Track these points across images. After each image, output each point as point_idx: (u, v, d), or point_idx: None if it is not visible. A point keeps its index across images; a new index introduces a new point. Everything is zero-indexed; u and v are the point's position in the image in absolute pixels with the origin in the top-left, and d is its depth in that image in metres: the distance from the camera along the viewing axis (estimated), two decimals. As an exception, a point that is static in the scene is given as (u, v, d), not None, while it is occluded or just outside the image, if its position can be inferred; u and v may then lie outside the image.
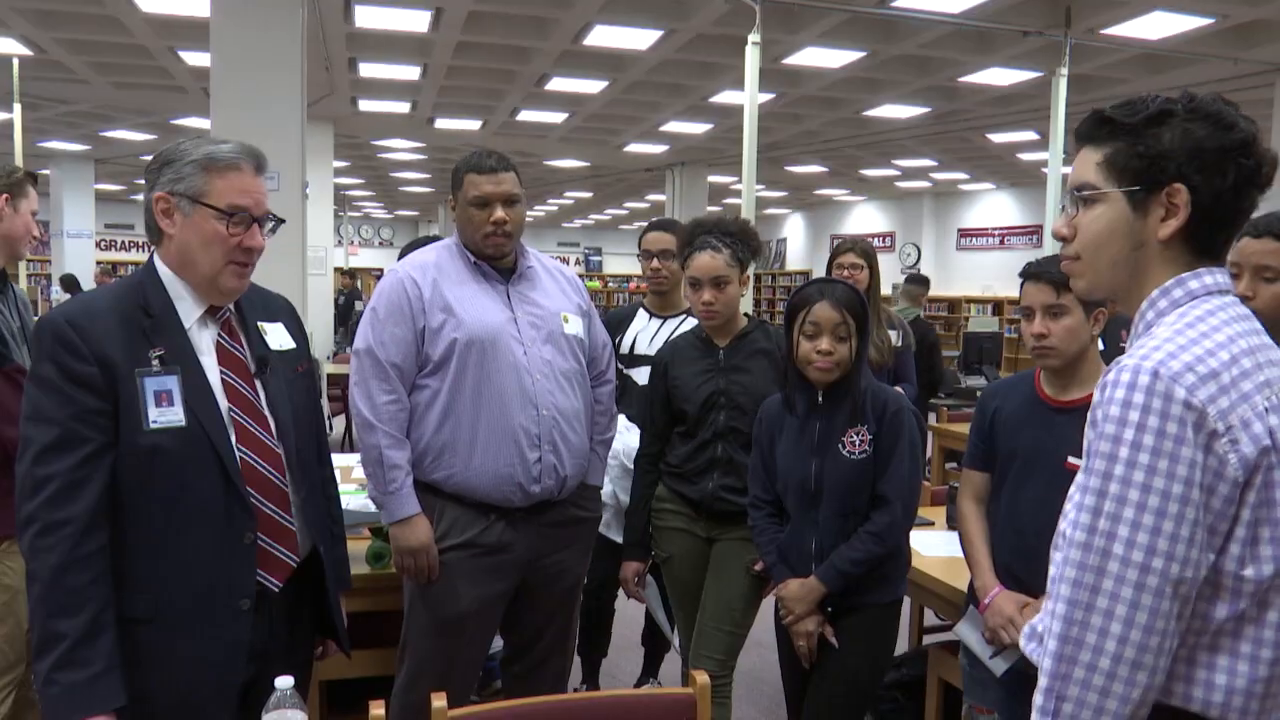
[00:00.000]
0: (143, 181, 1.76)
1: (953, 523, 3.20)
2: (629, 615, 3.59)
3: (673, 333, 3.12)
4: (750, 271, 2.69)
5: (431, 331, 2.29)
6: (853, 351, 2.25)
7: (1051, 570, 1.26)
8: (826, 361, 2.25)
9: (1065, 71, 6.61)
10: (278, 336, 1.85)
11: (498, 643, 2.64)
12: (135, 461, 1.60)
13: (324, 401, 6.84)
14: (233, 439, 1.68)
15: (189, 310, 1.71)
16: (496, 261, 2.38)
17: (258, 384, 1.76)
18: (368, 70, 8.45)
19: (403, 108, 10.15)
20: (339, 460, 3.93)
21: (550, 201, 20.83)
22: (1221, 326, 1.18)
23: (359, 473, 3.50)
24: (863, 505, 2.27)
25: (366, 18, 6.92)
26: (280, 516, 1.74)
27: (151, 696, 1.61)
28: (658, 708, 1.76)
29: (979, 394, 2.47)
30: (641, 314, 3.26)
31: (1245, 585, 1.14)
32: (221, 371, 1.71)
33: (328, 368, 8.26)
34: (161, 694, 1.62)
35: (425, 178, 17.01)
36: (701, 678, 1.73)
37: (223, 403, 1.69)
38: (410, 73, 8.51)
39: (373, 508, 2.82)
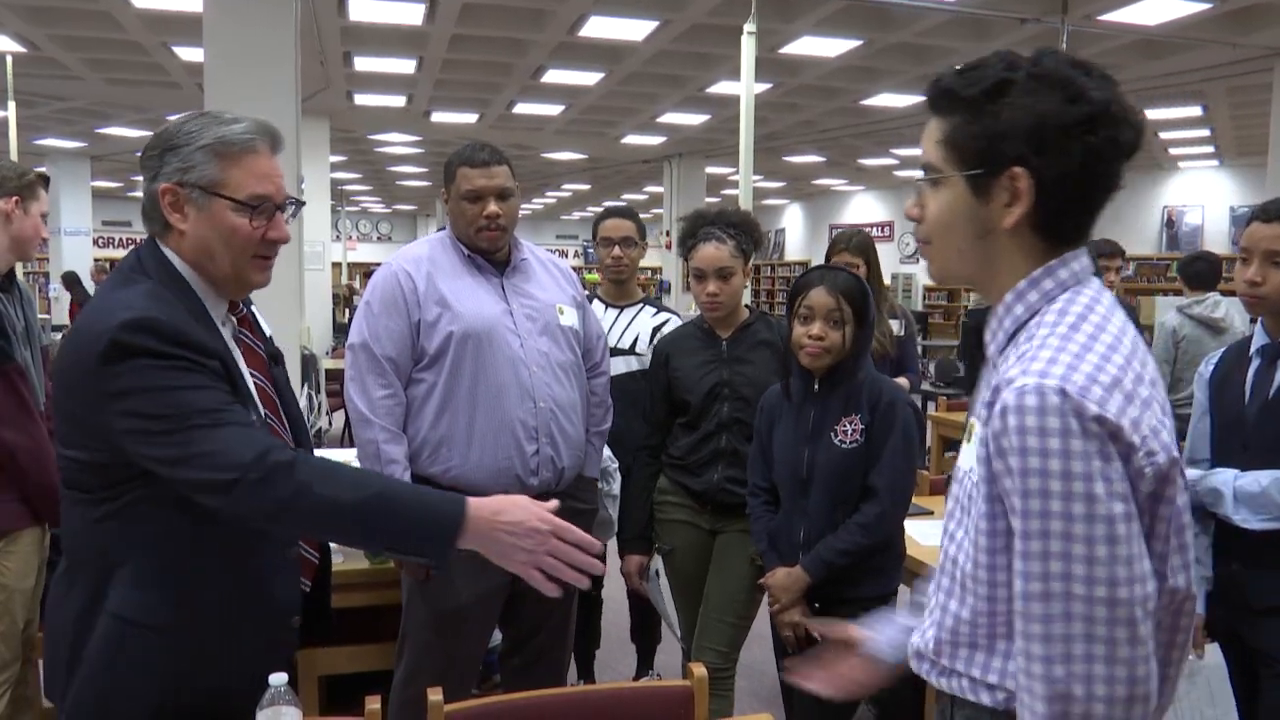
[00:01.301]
0: (139, 179, 1.56)
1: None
2: (616, 607, 3.59)
3: (629, 323, 3.10)
4: (752, 263, 2.69)
5: (427, 325, 2.28)
6: (847, 339, 2.24)
7: (962, 612, 1.16)
8: (816, 346, 2.24)
9: (1063, 58, 6.56)
10: (266, 322, 1.76)
11: (496, 636, 2.63)
12: None
13: (321, 397, 6.83)
14: None
15: (214, 307, 1.54)
16: (490, 254, 2.37)
17: (273, 380, 1.66)
18: (363, 64, 8.42)
19: (398, 101, 10.12)
20: (340, 455, 3.93)
21: (548, 194, 20.81)
22: (1104, 324, 1.08)
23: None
24: (852, 495, 2.26)
25: (360, 11, 6.89)
26: None
27: (189, 703, 1.48)
28: (656, 700, 1.76)
29: None
30: (597, 304, 3.19)
31: (1164, 598, 1.09)
32: (251, 372, 1.59)
33: (326, 363, 8.25)
34: (202, 700, 1.49)
35: (423, 171, 16.98)
36: (699, 670, 1.73)
37: (260, 405, 1.58)
38: (405, 66, 8.48)
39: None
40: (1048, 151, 1.07)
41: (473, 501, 1.41)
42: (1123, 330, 1.10)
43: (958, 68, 1.14)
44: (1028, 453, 1.02)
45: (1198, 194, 14.13)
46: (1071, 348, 1.06)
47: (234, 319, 1.62)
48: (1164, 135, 11.77)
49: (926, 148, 1.17)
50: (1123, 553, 1.01)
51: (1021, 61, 1.10)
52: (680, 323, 3.25)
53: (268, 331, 1.76)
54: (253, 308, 1.73)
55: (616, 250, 3.18)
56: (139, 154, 1.59)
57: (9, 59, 6.96)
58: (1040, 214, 1.11)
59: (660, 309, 3.30)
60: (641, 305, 3.23)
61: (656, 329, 3.20)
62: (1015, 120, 1.08)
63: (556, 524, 1.42)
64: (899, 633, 1.39)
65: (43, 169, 2.73)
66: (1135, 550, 1.02)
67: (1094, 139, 1.07)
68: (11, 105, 6.95)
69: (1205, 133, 11.51)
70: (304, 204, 1.63)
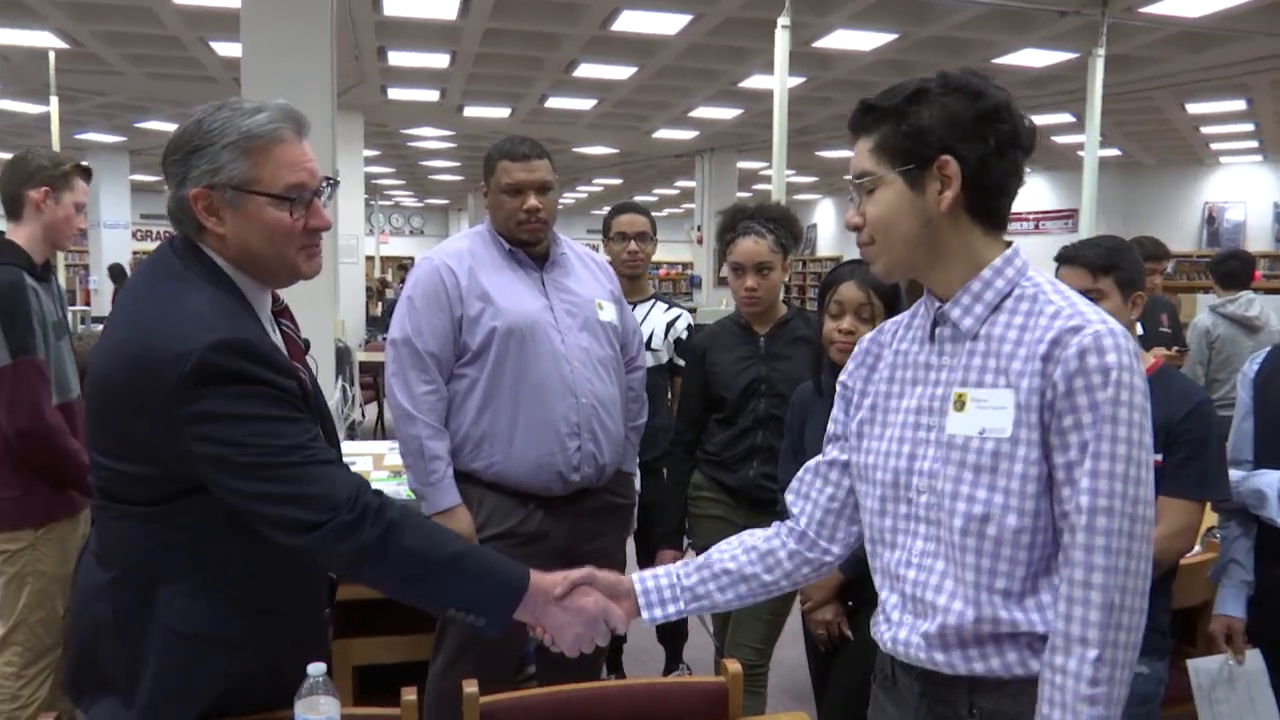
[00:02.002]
0: None
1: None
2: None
3: (643, 319, 3.09)
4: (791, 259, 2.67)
5: (469, 320, 2.28)
6: None
7: (952, 578, 1.30)
8: (846, 341, 2.22)
9: (1102, 52, 6.47)
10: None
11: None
12: None
13: (355, 389, 6.88)
14: None
15: (261, 305, 1.52)
16: (530, 249, 2.37)
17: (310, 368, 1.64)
18: (397, 58, 8.47)
19: (432, 96, 10.17)
20: (370, 447, 3.98)
21: (580, 189, 20.81)
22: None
23: (390, 459, 3.53)
24: None
25: (395, 6, 6.93)
26: None
27: (237, 698, 1.48)
28: (690, 696, 1.76)
29: None
30: None
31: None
32: (295, 366, 1.53)
33: (360, 355, 8.32)
34: (256, 700, 1.50)
35: (455, 166, 17.06)
36: (734, 667, 1.72)
37: None
38: (439, 60, 8.52)
39: (404, 496, 2.83)
40: (968, 138, 1.26)
41: (535, 576, 1.50)
42: None
43: (876, 95, 1.34)
44: (1114, 384, 1.19)
45: (1240, 190, 13.87)
46: (1095, 309, 1.26)
47: (274, 311, 1.60)
48: (1205, 130, 11.56)
49: (859, 161, 1.33)
50: (1147, 476, 1.22)
51: (931, 78, 1.30)
52: (688, 317, 3.26)
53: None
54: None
55: (632, 245, 3.17)
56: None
57: (52, 55, 7.07)
58: (969, 196, 1.28)
59: (671, 304, 3.29)
60: (653, 301, 3.23)
61: (670, 324, 3.21)
62: (936, 117, 1.27)
63: (615, 617, 1.55)
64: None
65: (80, 163, 2.73)
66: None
67: (1003, 127, 1.27)
68: (54, 100, 7.05)
69: (1249, 127, 11.29)
70: (338, 182, 1.60)
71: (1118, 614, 1.18)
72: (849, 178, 1.37)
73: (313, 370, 1.69)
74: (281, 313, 1.62)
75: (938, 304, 1.35)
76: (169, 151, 1.46)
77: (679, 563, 1.58)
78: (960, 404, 1.29)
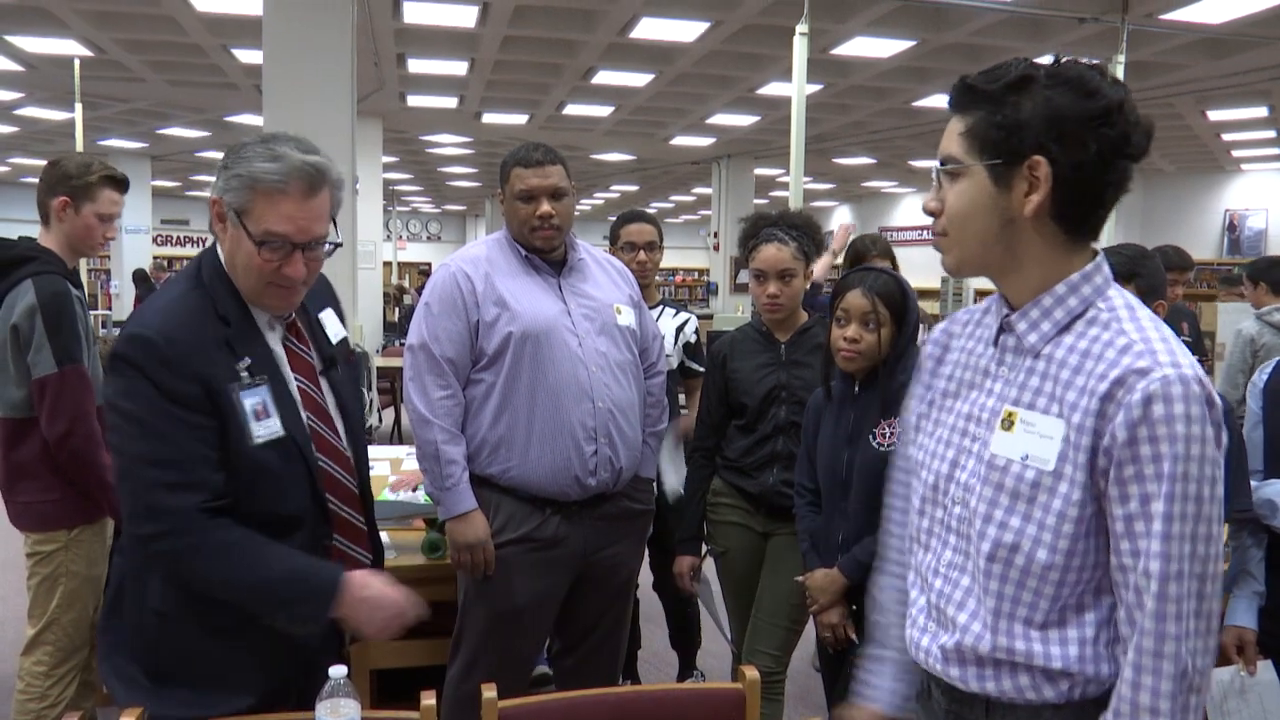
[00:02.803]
0: (197, 178, 1.72)
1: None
2: (654, 611, 3.58)
3: None
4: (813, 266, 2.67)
5: (485, 325, 2.29)
6: (883, 341, 2.22)
7: (974, 600, 1.24)
8: (851, 349, 2.23)
9: (1123, 59, 6.44)
10: (333, 326, 1.80)
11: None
12: (241, 477, 1.55)
13: (373, 394, 6.92)
14: (311, 446, 1.64)
15: (259, 313, 1.63)
16: (547, 254, 2.38)
17: (323, 384, 1.72)
18: (416, 65, 8.51)
19: (450, 102, 10.22)
20: (386, 452, 3.99)
21: (596, 195, 20.85)
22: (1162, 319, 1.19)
23: (408, 465, 3.55)
24: None
25: (414, 13, 6.97)
26: (353, 517, 1.74)
27: (243, 693, 1.59)
28: (707, 702, 1.76)
29: None
30: None
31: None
32: (295, 378, 1.66)
33: (377, 361, 8.36)
34: (251, 691, 1.60)
35: (472, 172, 17.12)
36: (751, 673, 1.72)
37: (302, 412, 1.64)
38: (458, 68, 8.56)
39: (421, 500, 2.85)
40: (1065, 142, 1.14)
41: (344, 580, 1.57)
42: None
43: (980, 71, 1.22)
44: (1182, 440, 1.09)
45: (1262, 197, 13.75)
46: (1173, 342, 1.14)
47: (283, 324, 1.68)
48: (1227, 137, 11.47)
49: (947, 142, 1.23)
50: (1217, 532, 1.13)
51: (1041, 63, 1.18)
52: (695, 320, 3.30)
53: (339, 334, 1.81)
54: (322, 314, 1.80)
55: (641, 255, 3.17)
56: (197, 154, 1.70)
57: (76, 62, 7.15)
58: (1058, 203, 1.16)
59: (678, 309, 3.30)
60: (661, 307, 3.25)
61: (679, 329, 3.24)
62: (1035, 112, 1.14)
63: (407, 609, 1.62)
64: (895, 681, 1.46)
65: (112, 173, 2.71)
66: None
67: (1109, 132, 1.14)
68: (78, 107, 7.13)
69: (1271, 134, 11.19)
70: (339, 245, 1.69)
71: (1189, 678, 1.11)
72: (934, 164, 1.27)
73: (336, 385, 1.75)
74: (290, 326, 1.69)
75: (1007, 310, 1.26)
76: (224, 156, 1.63)
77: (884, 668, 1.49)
78: (1008, 422, 1.22)
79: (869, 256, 3.66)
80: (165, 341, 1.51)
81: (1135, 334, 1.14)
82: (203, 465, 1.52)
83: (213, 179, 1.63)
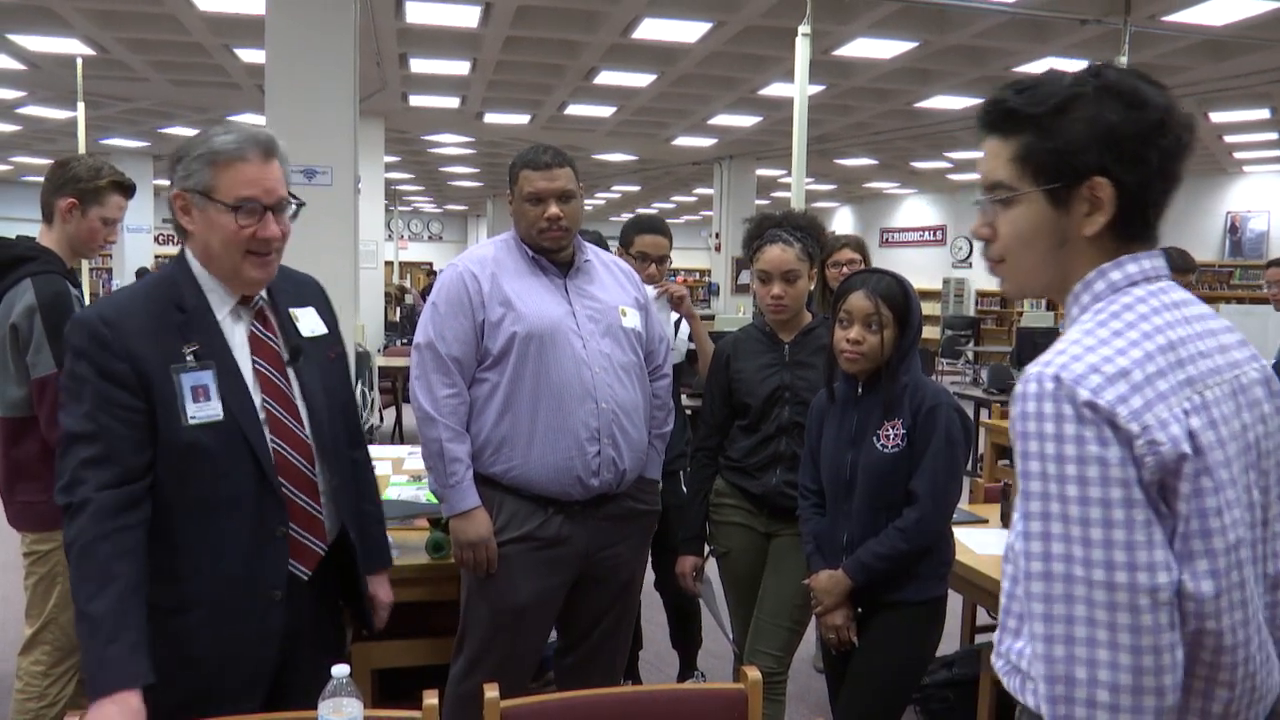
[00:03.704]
0: None
1: (1006, 521, 3.15)
2: (656, 612, 3.58)
3: None
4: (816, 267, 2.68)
5: (491, 325, 2.30)
6: (886, 343, 2.23)
7: (1004, 599, 1.20)
8: (854, 351, 2.23)
9: (1125, 60, 6.43)
10: (309, 322, 1.85)
11: (552, 634, 2.65)
12: (173, 457, 1.62)
13: (374, 394, 6.92)
14: (266, 432, 1.69)
15: (221, 302, 1.72)
16: (554, 255, 2.39)
17: (290, 373, 1.77)
18: (418, 65, 8.52)
19: (452, 102, 10.23)
20: (389, 451, 4.00)
21: (598, 195, 20.87)
22: (1138, 322, 1.10)
23: (410, 464, 3.55)
24: (896, 500, 2.24)
25: (417, 13, 6.98)
26: (310, 506, 1.76)
27: (184, 684, 1.62)
28: (709, 702, 1.76)
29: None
30: None
31: (1187, 604, 1.05)
32: (255, 362, 1.72)
33: (379, 360, 8.37)
34: (195, 682, 1.64)
35: (474, 172, 17.14)
36: (754, 673, 1.72)
37: (256, 396, 1.70)
38: (460, 68, 8.57)
39: (424, 499, 2.85)
40: (1126, 159, 1.10)
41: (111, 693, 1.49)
42: (1167, 326, 1.11)
43: (1012, 88, 1.17)
44: (1027, 436, 1.07)
45: (1264, 199, 13.76)
46: (1087, 340, 1.09)
47: (250, 313, 1.75)
48: (1229, 139, 11.48)
49: (993, 167, 1.18)
50: (1119, 537, 1.02)
51: (1083, 76, 1.13)
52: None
53: (317, 330, 1.85)
54: (301, 309, 1.84)
55: (652, 269, 3.16)
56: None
57: (79, 61, 7.16)
58: (1120, 218, 1.13)
59: (675, 309, 3.32)
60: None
61: (679, 323, 3.27)
62: (1089, 132, 1.11)
63: None
64: None
65: (121, 179, 2.71)
66: (1138, 538, 1.02)
67: (1165, 142, 1.11)
68: (81, 107, 7.14)
69: (1273, 135, 11.20)
70: (303, 204, 1.77)
71: (1070, 689, 1.04)
72: (977, 196, 1.22)
73: (303, 374, 1.78)
74: (258, 314, 1.76)
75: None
76: (169, 160, 1.74)
77: None
78: None
79: (837, 250, 3.68)
80: (102, 323, 1.61)
81: (1067, 337, 1.11)
82: (123, 444, 1.59)
83: None
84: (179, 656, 1.62)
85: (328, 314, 1.92)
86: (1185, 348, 1.10)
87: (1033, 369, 1.08)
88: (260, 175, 1.67)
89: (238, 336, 1.72)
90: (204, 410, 1.63)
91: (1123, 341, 1.08)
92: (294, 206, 1.75)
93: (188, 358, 1.64)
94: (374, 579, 1.99)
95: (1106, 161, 1.10)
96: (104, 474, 1.57)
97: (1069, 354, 1.07)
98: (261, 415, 1.70)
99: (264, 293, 1.78)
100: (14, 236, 2.61)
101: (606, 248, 2.82)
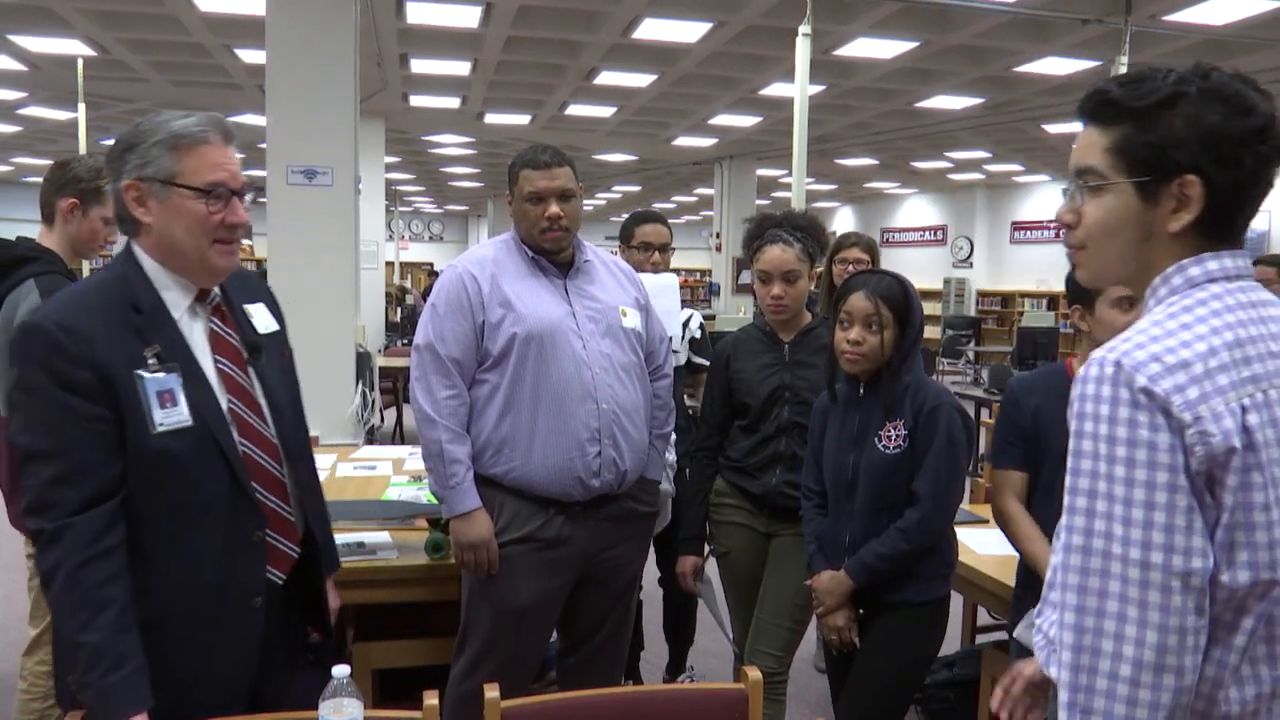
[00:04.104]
0: None
1: (1006, 520, 3.15)
2: (656, 613, 3.59)
3: None
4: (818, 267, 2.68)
5: (491, 326, 2.30)
6: (886, 344, 2.23)
7: (1050, 573, 1.22)
8: (854, 352, 2.23)
9: (1125, 60, 6.44)
10: (262, 318, 1.78)
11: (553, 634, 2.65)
12: (143, 466, 1.54)
13: (375, 394, 6.92)
14: (234, 433, 1.62)
15: (177, 300, 1.63)
16: (554, 256, 2.39)
17: (251, 371, 1.70)
18: (419, 66, 8.53)
19: (453, 103, 10.23)
20: (390, 452, 4.00)
21: (599, 195, 20.87)
22: (1209, 317, 1.12)
23: (410, 464, 3.56)
24: (898, 500, 2.24)
25: (418, 14, 6.99)
26: (281, 509, 1.70)
27: (164, 697, 1.53)
28: (709, 702, 1.76)
29: (1007, 389, 2.38)
30: None
31: (1220, 592, 1.08)
32: (217, 361, 1.64)
33: (379, 360, 8.37)
34: (174, 694, 1.55)
35: (474, 172, 17.14)
36: (754, 673, 1.72)
37: (222, 397, 1.63)
38: (460, 68, 8.57)
39: (424, 500, 2.85)
40: (1222, 160, 1.12)
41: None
42: (1237, 324, 1.12)
43: (1115, 80, 1.19)
44: (1083, 417, 1.10)
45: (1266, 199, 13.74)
46: (1154, 330, 1.11)
47: (207, 310, 1.67)
48: (1229, 138, 11.46)
49: (1088, 154, 1.20)
50: (1160, 520, 1.05)
51: (1189, 75, 1.15)
52: (699, 315, 3.35)
53: (270, 327, 1.79)
54: (252, 306, 1.77)
55: (656, 256, 3.20)
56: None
57: (80, 62, 7.16)
58: (1206, 217, 1.14)
59: (681, 306, 3.33)
60: None
61: (684, 324, 3.27)
62: (1188, 131, 1.13)
63: None
64: None
65: None
66: (1178, 522, 1.05)
67: (1264, 148, 1.13)
68: (81, 107, 7.14)
69: (1273, 136, 11.19)
70: (262, 189, 1.69)
71: (1094, 660, 1.08)
72: (1068, 176, 1.22)
73: (262, 371, 1.72)
74: (215, 309, 1.68)
75: None
76: (110, 150, 1.62)
77: None
78: None
79: (846, 247, 3.69)
80: (59, 329, 1.50)
81: (1137, 326, 1.14)
82: (91, 457, 1.50)
83: None
84: (157, 670, 1.53)
85: (276, 310, 1.84)
86: (1254, 346, 1.12)
87: (1097, 353, 1.11)
88: (224, 159, 1.60)
89: (197, 335, 1.64)
90: (172, 416, 1.55)
91: (1188, 334, 1.10)
92: (253, 194, 1.69)
93: (150, 361, 1.55)
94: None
95: (1202, 161, 1.12)
96: (76, 493, 1.48)
97: (1134, 341, 1.10)
98: (228, 417, 1.62)
99: (218, 288, 1.69)
100: (14, 238, 2.61)
101: None
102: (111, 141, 1.63)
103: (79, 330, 1.51)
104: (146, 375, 1.54)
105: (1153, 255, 1.18)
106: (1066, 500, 1.12)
